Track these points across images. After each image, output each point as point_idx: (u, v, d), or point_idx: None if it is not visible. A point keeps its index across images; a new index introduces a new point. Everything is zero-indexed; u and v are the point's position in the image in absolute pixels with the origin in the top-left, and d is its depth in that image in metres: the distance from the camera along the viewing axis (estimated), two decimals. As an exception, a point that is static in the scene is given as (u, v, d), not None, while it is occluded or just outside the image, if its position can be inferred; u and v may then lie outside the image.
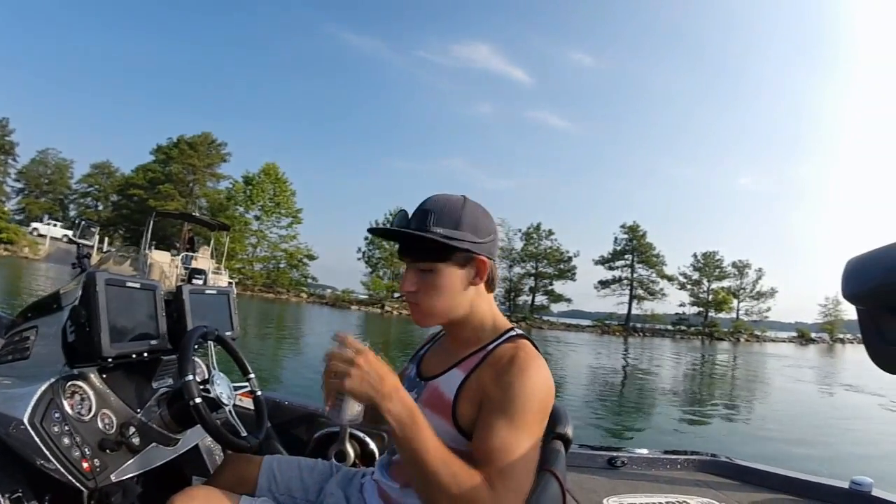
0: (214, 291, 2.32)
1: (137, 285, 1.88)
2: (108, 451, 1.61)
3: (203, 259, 22.52)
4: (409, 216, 1.30)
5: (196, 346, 1.75)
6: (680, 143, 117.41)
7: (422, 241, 1.26)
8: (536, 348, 1.30)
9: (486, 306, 1.36)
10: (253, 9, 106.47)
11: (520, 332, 1.36)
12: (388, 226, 1.33)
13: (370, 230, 1.46)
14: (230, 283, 24.90)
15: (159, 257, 21.37)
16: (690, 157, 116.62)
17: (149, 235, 22.39)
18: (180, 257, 21.94)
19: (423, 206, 1.31)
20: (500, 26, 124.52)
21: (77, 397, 1.63)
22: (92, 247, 2.13)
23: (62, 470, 1.46)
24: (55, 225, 49.59)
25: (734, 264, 63.43)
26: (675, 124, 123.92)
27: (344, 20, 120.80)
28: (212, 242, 24.70)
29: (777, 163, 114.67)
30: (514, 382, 1.18)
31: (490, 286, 1.36)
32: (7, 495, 1.48)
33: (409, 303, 1.34)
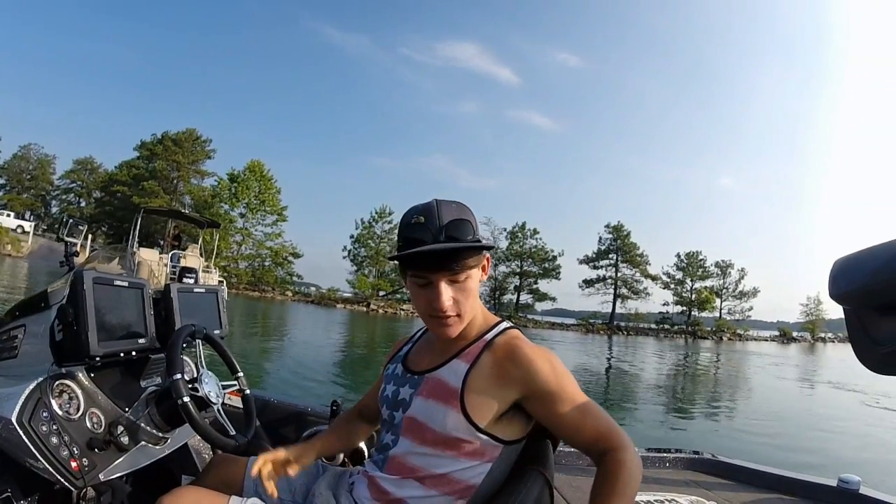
0: (203, 290, 2.31)
1: (125, 284, 1.87)
2: (96, 450, 1.60)
3: (192, 257, 22.16)
4: (439, 228, 1.27)
5: (184, 345, 1.75)
6: (661, 144, 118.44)
7: (464, 252, 1.27)
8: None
9: (482, 308, 1.42)
10: (236, 4, 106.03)
11: (508, 323, 1.42)
12: (407, 235, 1.30)
13: (400, 254, 1.28)
14: (221, 281, 24.30)
15: (147, 255, 20.81)
16: (671, 156, 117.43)
17: (136, 233, 21.98)
18: (170, 255, 21.44)
19: (447, 214, 1.29)
20: (487, 25, 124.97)
21: (65, 396, 1.63)
22: (79, 244, 2.11)
23: (51, 469, 1.46)
24: (9, 215, 48.97)
25: (717, 264, 64.13)
26: (655, 125, 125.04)
27: (327, 16, 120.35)
28: (200, 240, 24.34)
29: (757, 163, 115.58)
30: (549, 372, 1.27)
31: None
32: None
33: (444, 318, 1.31)
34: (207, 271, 21.90)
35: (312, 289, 59.26)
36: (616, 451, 1.20)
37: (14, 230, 45.15)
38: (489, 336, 1.36)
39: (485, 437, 1.28)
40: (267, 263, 55.45)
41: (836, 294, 0.77)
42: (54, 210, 73.78)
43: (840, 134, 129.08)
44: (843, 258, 0.78)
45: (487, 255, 1.35)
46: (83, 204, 72.28)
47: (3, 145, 67.19)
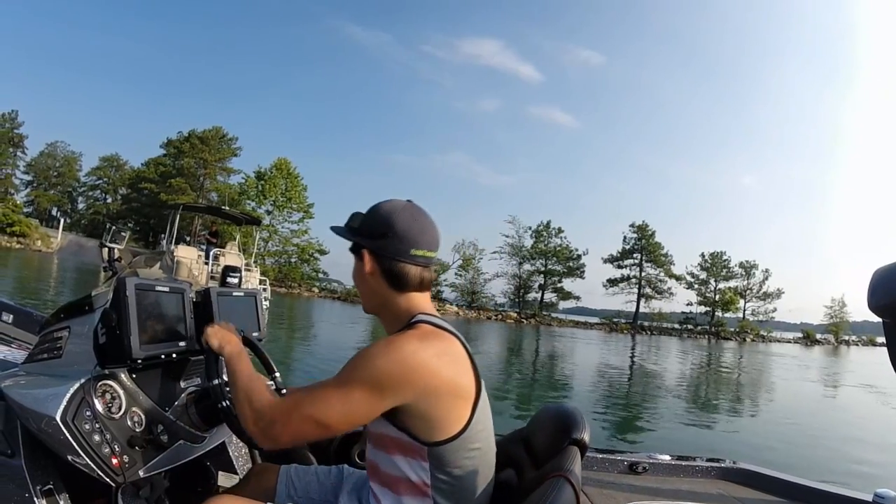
0: (242, 293, 2.33)
1: (166, 289, 1.91)
2: (136, 447, 1.65)
3: (232, 255, 21.43)
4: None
5: None
6: (680, 141, 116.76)
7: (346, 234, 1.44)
8: (447, 329, 1.35)
9: (403, 303, 1.40)
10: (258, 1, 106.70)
11: (423, 317, 1.36)
12: None
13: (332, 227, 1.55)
14: (262, 280, 23.42)
15: (185, 253, 20.40)
16: (691, 154, 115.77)
17: (174, 231, 21.66)
18: (212, 254, 20.73)
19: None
20: (509, 22, 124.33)
21: (108, 396, 1.67)
22: (122, 250, 2.16)
23: (92, 465, 1.51)
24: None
25: (741, 265, 63.24)
26: (675, 122, 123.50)
27: (349, 14, 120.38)
28: (238, 238, 23.81)
29: (781, 162, 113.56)
30: (352, 359, 1.27)
31: (396, 283, 1.38)
32: (39, 488, 1.53)
33: None
34: (248, 269, 21.10)
35: (335, 284, 59.47)
36: (271, 406, 1.30)
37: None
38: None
39: (395, 429, 1.29)
40: (293, 260, 55.87)
41: (875, 305, 0.76)
42: (81, 206, 75.09)
43: (869, 136, 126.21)
44: (883, 268, 0.77)
45: (363, 250, 1.39)
46: (109, 200, 73.43)
47: (30, 143, 68.38)
